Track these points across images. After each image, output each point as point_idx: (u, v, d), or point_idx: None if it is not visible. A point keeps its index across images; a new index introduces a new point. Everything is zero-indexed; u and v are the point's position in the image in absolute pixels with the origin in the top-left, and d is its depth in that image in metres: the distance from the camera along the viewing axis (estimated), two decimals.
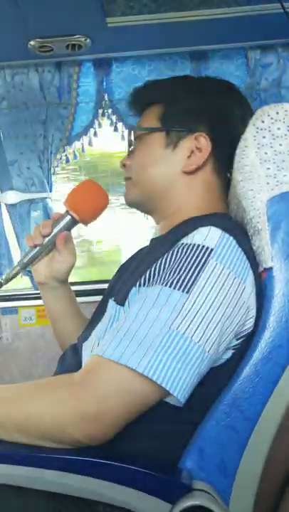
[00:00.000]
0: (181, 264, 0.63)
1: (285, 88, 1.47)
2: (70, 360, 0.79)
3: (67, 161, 1.59)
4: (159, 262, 0.65)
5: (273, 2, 1.05)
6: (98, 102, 1.55)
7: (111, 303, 0.71)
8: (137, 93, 0.85)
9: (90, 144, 1.57)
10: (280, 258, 0.66)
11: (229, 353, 0.65)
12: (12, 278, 0.87)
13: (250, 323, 0.65)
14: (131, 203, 0.86)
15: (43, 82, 1.52)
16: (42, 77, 1.52)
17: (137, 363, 0.58)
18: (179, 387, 0.58)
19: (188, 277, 0.62)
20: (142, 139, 0.83)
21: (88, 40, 1.36)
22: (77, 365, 0.76)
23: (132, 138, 0.86)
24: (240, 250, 0.65)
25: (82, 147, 1.57)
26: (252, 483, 0.59)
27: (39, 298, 1.56)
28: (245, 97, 0.88)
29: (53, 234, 0.86)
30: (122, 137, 1.55)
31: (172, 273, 0.63)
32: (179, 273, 0.62)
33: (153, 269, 0.65)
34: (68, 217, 0.87)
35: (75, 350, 0.79)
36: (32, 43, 1.35)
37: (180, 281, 0.62)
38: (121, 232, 1.76)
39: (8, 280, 0.87)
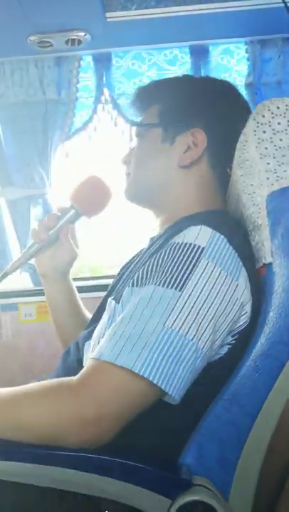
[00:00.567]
0: (173, 263, 0.63)
1: (285, 83, 1.46)
2: (73, 357, 0.79)
3: (67, 156, 1.58)
4: (151, 261, 0.66)
5: None
6: (98, 97, 1.55)
7: (110, 302, 0.71)
8: (139, 92, 0.87)
9: (90, 139, 1.57)
10: (280, 253, 0.65)
11: (225, 349, 0.66)
12: (16, 269, 0.89)
13: (244, 320, 0.66)
14: (130, 198, 0.87)
15: (43, 78, 1.51)
16: (41, 73, 1.51)
17: (133, 362, 0.58)
18: (174, 386, 0.59)
19: (180, 276, 0.62)
20: (141, 136, 0.84)
21: (88, 35, 1.36)
22: (78, 363, 0.76)
23: (133, 135, 0.87)
24: (231, 248, 0.65)
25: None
26: (251, 478, 0.59)
27: (39, 294, 1.58)
28: (243, 94, 0.90)
29: (57, 227, 0.89)
30: (122, 132, 1.55)
31: (165, 272, 0.63)
32: (171, 272, 0.63)
33: (145, 268, 0.66)
34: (72, 211, 0.89)
35: (77, 348, 0.79)
36: (31, 38, 1.35)
37: (172, 280, 0.62)
38: None
39: (13, 270, 0.89)
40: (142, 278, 0.65)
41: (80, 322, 0.95)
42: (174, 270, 0.63)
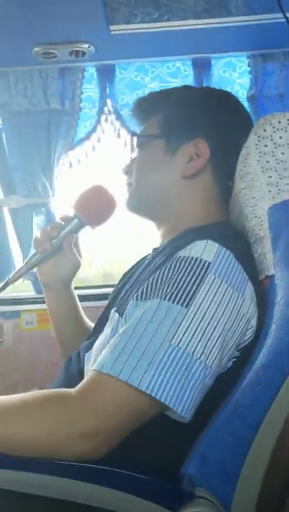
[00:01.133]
0: (180, 277, 0.63)
1: (287, 96, 1.48)
2: (75, 366, 0.78)
3: (70, 166, 1.59)
4: (157, 275, 0.65)
5: (275, 12, 1.06)
6: (101, 108, 1.56)
7: (113, 313, 0.71)
8: (140, 103, 0.87)
9: (93, 149, 1.58)
10: (282, 266, 0.66)
11: (230, 363, 0.65)
12: (18, 278, 0.88)
13: (250, 333, 0.65)
14: (132, 209, 0.86)
15: (47, 88, 1.53)
16: (45, 83, 1.53)
17: (139, 380, 0.57)
18: (183, 405, 0.58)
19: (186, 291, 0.61)
20: (143, 147, 0.84)
21: (92, 47, 1.37)
22: (79, 373, 0.75)
23: (134, 145, 0.87)
24: (237, 264, 0.65)
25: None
26: (253, 490, 0.59)
27: (41, 302, 1.57)
28: (245, 105, 0.89)
29: (60, 236, 0.88)
30: (125, 144, 1.56)
31: (170, 286, 0.62)
32: (177, 287, 0.62)
33: (150, 282, 0.65)
34: (76, 220, 0.88)
35: (79, 358, 0.78)
36: (36, 49, 1.36)
37: (179, 295, 0.61)
38: None
39: (14, 280, 0.88)
40: (146, 291, 0.65)
41: (82, 332, 0.94)
42: (181, 285, 0.62)
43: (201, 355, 0.59)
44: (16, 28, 1.25)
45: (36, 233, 1.55)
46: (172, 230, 0.78)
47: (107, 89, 1.55)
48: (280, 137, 0.70)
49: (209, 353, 0.60)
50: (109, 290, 0.88)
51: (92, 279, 1.99)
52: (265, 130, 0.70)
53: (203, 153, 0.79)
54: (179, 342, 0.59)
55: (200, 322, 0.60)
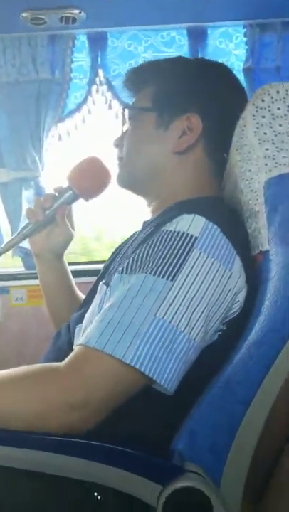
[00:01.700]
0: (165, 251, 0.63)
1: (284, 69, 1.44)
2: (63, 338, 0.79)
3: (60, 139, 1.55)
4: (142, 248, 0.65)
5: None
6: (92, 78, 1.52)
7: (101, 285, 0.71)
8: (132, 74, 0.85)
9: (83, 121, 1.54)
10: (277, 241, 0.65)
11: (215, 336, 0.65)
12: (10, 248, 0.89)
13: (236, 307, 0.65)
14: (122, 184, 0.85)
15: (36, 56, 1.48)
16: (34, 51, 1.47)
17: (123, 352, 0.58)
18: (166, 377, 0.58)
19: (172, 265, 0.61)
20: (135, 119, 0.83)
21: (83, 14, 1.32)
22: (69, 345, 0.76)
23: (126, 117, 0.85)
24: (224, 238, 0.64)
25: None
26: (243, 466, 0.59)
27: (30, 278, 1.56)
28: (241, 79, 0.89)
29: (53, 207, 0.88)
30: (116, 116, 1.52)
31: (156, 261, 0.62)
32: (163, 261, 0.62)
33: (136, 256, 0.65)
34: (69, 192, 0.88)
35: (69, 330, 0.79)
36: (24, 14, 1.31)
37: (164, 269, 0.61)
38: None
39: (6, 250, 0.89)
40: (132, 265, 0.64)
41: (73, 303, 0.95)
42: (166, 259, 0.62)
43: (185, 328, 0.60)
44: None
45: (25, 207, 1.52)
46: (162, 204, 0.78)
47: (99, 59, 1.50)
48: (278, 108, 0.67)
49: (193, 326, 0.60)
50: (101, 266, 0.87)
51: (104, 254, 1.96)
52: (263, 100, 0.67)
53: (196, 127, 0.78)
54: (164, 315, 0.59)
55: (185, 295, 0.60)
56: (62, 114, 1.53)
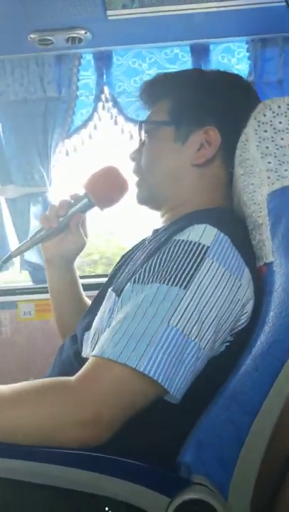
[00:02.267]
0: (178, 260, 0.63)
1: (286, 82, 1.46)
2: (68, 350, 0.78)
3: (67, 154, 1.58)
4: (155, 258, 0.65)
5: None
6: (98, 95, 1.55)
7: (110, 293, 0.70)
8: (148, 86, 0.84)
9: (89, 137, 1.57)
10: (281, 253, 0.65)
11: (223, 347, 0.66)
12: (22, 252, 0.89)
13: (244, 319, 0.65)
14: (142, 202, 0.85)
15: (43, 76, 1.51)
16: (42, 71, 1.51)
17: (137, 361, 0.58)
18: (175, 385, 0.58)
19: (185, 273, 0.62)
20: (152, 134, 0.82)
21: (88, 34, 1.35)
22: (75, 355, 0.75)
23: (142, 132, 0.84)
24: (234, 249, 0.65)
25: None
26: (250, 477, 0.59)
27: (38, 292, 1.57)
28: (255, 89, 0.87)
29: (68, 215, 0.87)
30: (122, 131, 1.54)
31: (170, 270, 0.63)
32: (176, 270, 0.62)
33: (149, 265, 0.65)
34: (85, 200, 0.87)
35: (74, 340, 0.78)
36: (32, 36, 1.34)
37: (178, 278, 0.62)
38: None
39: (17, 254, 0.89)
40: (144, 275, 0.64)
41: (81, 310, 0.93)
42: (179, 268, 0.62)
43: (195, 338, 0.60)
44: (12, 14, 1.23)
45: (33, 223, 1.54)
46: (175, 214, 0.78)
47: (104, 76, 1.54)
48: (280, 122, 0.69)
49: (203, 336, 0.60)
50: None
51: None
52: (264, 115, 0.69)
53: (214, 141, 0.77)
54: (177, 323, 0.60)
55: (197, 304, 0.61)
56: (69, 130, 1.55)
